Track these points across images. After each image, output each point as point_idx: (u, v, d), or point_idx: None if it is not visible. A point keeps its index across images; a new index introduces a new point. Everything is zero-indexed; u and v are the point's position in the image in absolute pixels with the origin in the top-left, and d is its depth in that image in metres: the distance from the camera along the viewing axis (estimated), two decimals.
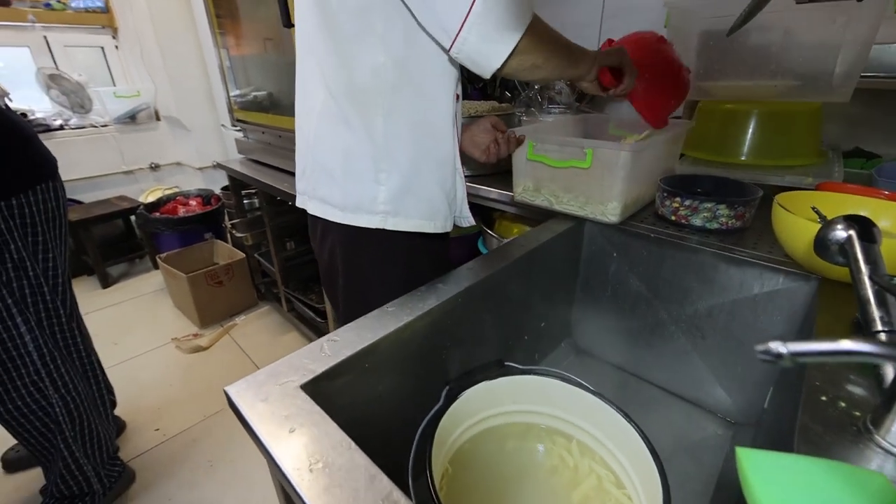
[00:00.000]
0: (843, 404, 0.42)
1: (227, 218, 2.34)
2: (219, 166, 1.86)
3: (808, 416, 0.41)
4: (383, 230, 0.72)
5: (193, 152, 2.77)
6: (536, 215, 0.94)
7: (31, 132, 1.04)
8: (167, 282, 2.13)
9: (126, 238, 2.63)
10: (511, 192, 0.97)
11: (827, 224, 0.50)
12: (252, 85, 1.72)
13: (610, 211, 0.81)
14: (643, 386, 0.89)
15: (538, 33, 0.60)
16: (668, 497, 0.43)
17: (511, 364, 0.62)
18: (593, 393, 0.58)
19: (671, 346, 0.84)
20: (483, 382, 0.58)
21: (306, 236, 1.80)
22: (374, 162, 0.69)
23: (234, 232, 1.84)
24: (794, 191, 0.72)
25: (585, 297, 0.95)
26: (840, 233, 0.49)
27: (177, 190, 2.68)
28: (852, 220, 0.49)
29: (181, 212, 2.31)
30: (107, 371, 1.30)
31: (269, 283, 2.13)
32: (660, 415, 0.83)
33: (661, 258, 0.81)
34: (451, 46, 0.58)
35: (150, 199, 2.67)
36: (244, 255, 2.02)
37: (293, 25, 1.20)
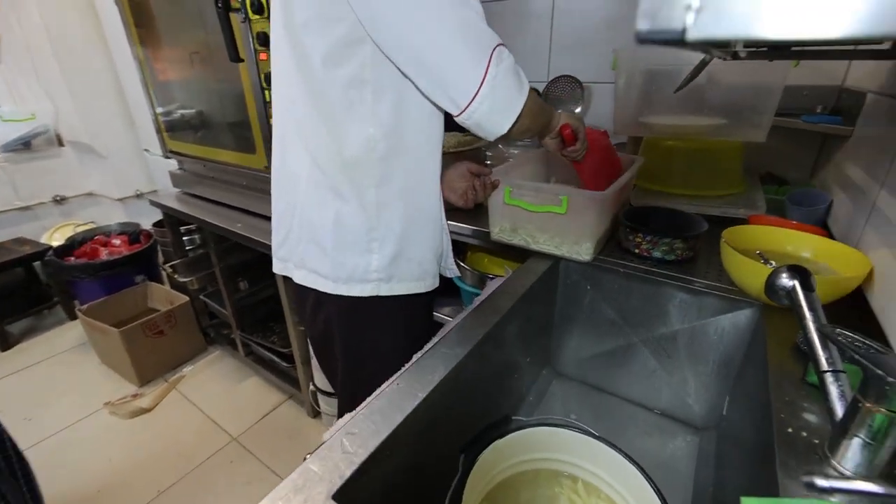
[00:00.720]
0: (804, 434, 0.51)
1: (161, 256, 2.16)
2: (153, 203, 1.72)
3: (784, 451, 0.49)
4: (377, 297, 0.73)
5: (110, 181, 2.51)
6: (510, 249, 0.99)
7: None
8: (91, 337, 1.91)
9: (28, 287, 2.26)
10: (483, 227, 1.03)
11: (774, 272, 0.60)
12: (177, 102, 1.60)
13: (584, 251, 0.88)
14: (620, 403, 0.97)
15: (532, 99, 0.65)
16: None
17: (517, 418, 0.66)
18: (596, 437, 0.64)
19: (642, 365, 0.94)
20: (495, 442, 0.62)
21: (260, 273, 1.73)
22: (366, 231, 0.69)
23: (176, 276, 1.70)
24: (735, 226, 0.84)
25: (563, 326, 1.02)
26: (786, 281, 0.59)
27: (93, 226, 2.40)
28: (794, 271, 0.58)
29: (104, 254, 2.08)
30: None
31: (218, 325, 1.99)
32: (638, 429, 0.92)
33: (629, 289, 0.90)
34: (461, 114, 0.61)
35: (58, 239, 2.37)
36: (188, 298, 1.87)
37: (242, 60, 1.15)
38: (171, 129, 1.67)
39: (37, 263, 2.20)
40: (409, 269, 0.74)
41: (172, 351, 1.88)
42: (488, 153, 1.18)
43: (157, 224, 2.12)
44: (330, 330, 0.78)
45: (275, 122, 0.73)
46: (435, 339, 0.70)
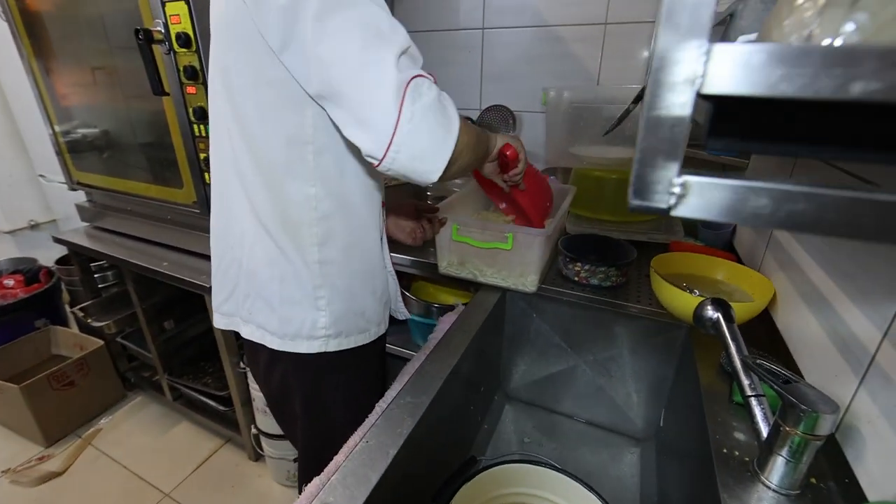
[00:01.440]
0: (737, 453, 0.58)
1: (66, 296, 1.91)
2: (57, 241, 1.53)
3: (723, 472, 0.55)
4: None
5: None
6: (455, 279, 1.01)
7: None
8: None
9: None
10: (426, 258, 1.07)
11: (700, 305, 0.67)
12: (77, 120, 1.45)
13: (529, 283, 0.92)
14: (569, 422, 1.03)
15: (466, 132, 0.59)
16: None
17: (482, 458, 0.68)
18: (555, 468, 0.67)
19: (586, 385, 1.00)
20: (463, 486, 0.63)
21: (186, 310, 1.60)
22: (312, 289, 0.69)
23: (89, 321, 1.51)
24: (659, 253, 0.92)
25: (511, 352, 1.05)
26: (711, 314, 0.66)
27: None
28: (717, 304, 0.66)
29: None
30: None
31: (139, 368, 1.80)
32: (588, 446, 0.97)
33: (572, 316, 0.95)
34: (379, 165, 0.55)
35: None
36: (102, 342, 1.67)
37: (167, 94, 1.08)
38: (73, 151, 1.49)
39: None
40: (356, 323, 0.74)
41: (85, 402, 1.66)
42: (429, 187, 1.20)
43: (60, 261, 1.88)
44: (287, 385, 0.76)
45: (214, 173, 0.70)
46: (397, 387, 0.70)
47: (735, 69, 0.19)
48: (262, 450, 1.46)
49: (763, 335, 0.80)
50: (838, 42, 0.20)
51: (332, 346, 0.72)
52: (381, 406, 0.67)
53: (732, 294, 0.85)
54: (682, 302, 0.77)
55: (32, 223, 2.26)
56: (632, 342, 0.92)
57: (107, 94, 1.32)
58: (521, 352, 1.05)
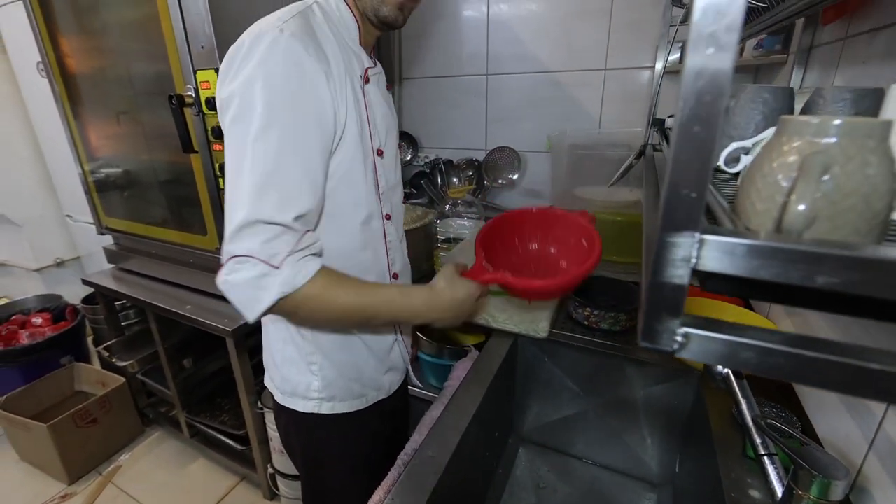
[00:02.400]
0: None
1: (89, 330, 1.97)
2: (86, 283, 1.59)
3: None
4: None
5: (26, 250, 2.28)
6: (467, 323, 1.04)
7: None
8: (10, 433, 1.69)
9: None
10: None
11: None
12: (100, 160, 1.53)
13: (541, 329, 0.95)
14: (584, 466, 1.03)
15: (313, 303, 0.59)
16: None
17: None
18: None
19: (600, 428, 1.01)
20: None
21: (204, 349, 1.64)
22: (305, 355, 0.73)
23: (113, 360, 1.56)
24: None
25: (524, 396, 1.07)
26: (720, 368, 0.68)
27: (6, 301, 2.16)
28: None
29: (24, 337, 1.86)
30: None
31: (156, 404, 1.84)
32: (604, 492, 0.98)
33: (583, 361, 0.97)
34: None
35: None
36: (124, 380, 1.72)
37: (196, 151, 1.15)
38: (101, 191, 1.57)
39: None
40: (349, 389, 0.77)
41: (106, 439, 1.70)
42: (438, 225, 1.24)
43: (86, 300, 1.95)
44: (289, 435, 0.81)
45: None
46: (417, 439, 0.72)
47: (722, 256, 0.23)
48: (277, 489, 1.47)
49: (774, 382, 0.81)
50: (801, 225, 0.24)
51: (325, 408, 0.75)
52: (402, 459, 0.70)
53: None
54: None
55: (58, 261, 2.35)
56: (643, 386, 0.94)
57: (136, 147, 1.40)
58: (533, 395, 1.06)
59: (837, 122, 0.27)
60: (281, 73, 0.55)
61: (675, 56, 1.09)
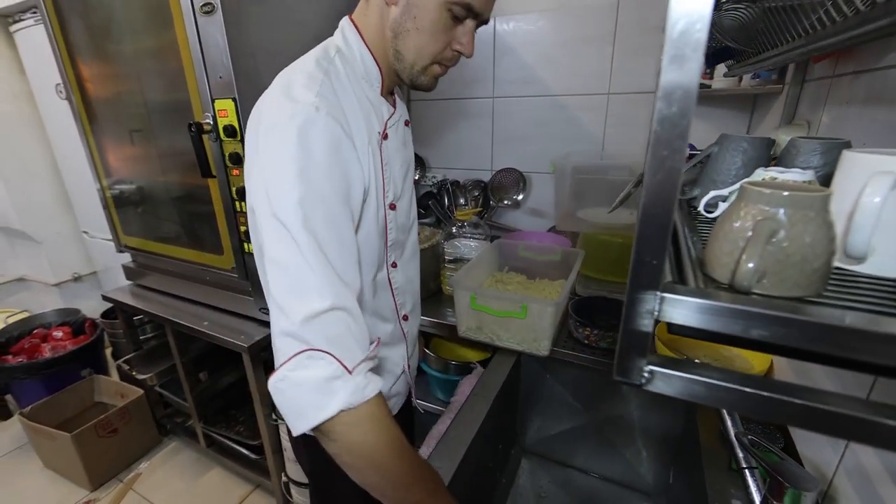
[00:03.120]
0: None
1: (108, 344, 2.05)
2: (106, 299, 1.66)
3: None
4: None
5: (45, 265, 2.36)
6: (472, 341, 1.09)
7: None
8: (35, 441, 1.76)
9: None
10: (442, 320, 1.16)
11: None
12: (119, 180, 1.60)
13: (542, 347, 1.00)
14: (583, 477, 1.09)
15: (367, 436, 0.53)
16: None
17: None
18: None
19: (598, 441, 1.06)
20: None
21: (219, 364, 1.71)
22: None
23: (133, 373, 1.63)
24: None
25: (527, 410, 1.13)
26: None
27: (27, 315, 2.24)
28: None
29: (46, 350, 1.94)
30: None
31: (173, 415, 1.91)
32: (601, 500, 1.03)
33: (582, 378, 1.03)
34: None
35: None
36: (142, 392, 1.79)
37: (214, 176, 1.21)
38: (120, 209, 1.64)
39: None
40: None
41: (126, 448, 1.77)
42: (445, 247, 1.30)
43: (105, 314, 2.02)
44: (299, 451, 0.86)
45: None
46: (426, 451, 0.78)
47: (678, 310, 0.29)
48: (291, 497, 1.53)
49: None
50: (750, 280, 0.30)
51: None
52: None
53: (733, 361, 0.92)
54: None
55: (76, 276, 2.43)
56: (639, 402, 0.99)
57: (153, 168, 1.46)
58: (535, 409, 1.12)
59: (785, 194, 0.33)
60: (322, 160, 0.54)
61: None
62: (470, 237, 1.32)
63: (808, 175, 0.48)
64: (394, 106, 0.73)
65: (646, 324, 0.30)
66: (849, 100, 0.77)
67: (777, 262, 0.33)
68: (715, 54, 1.08)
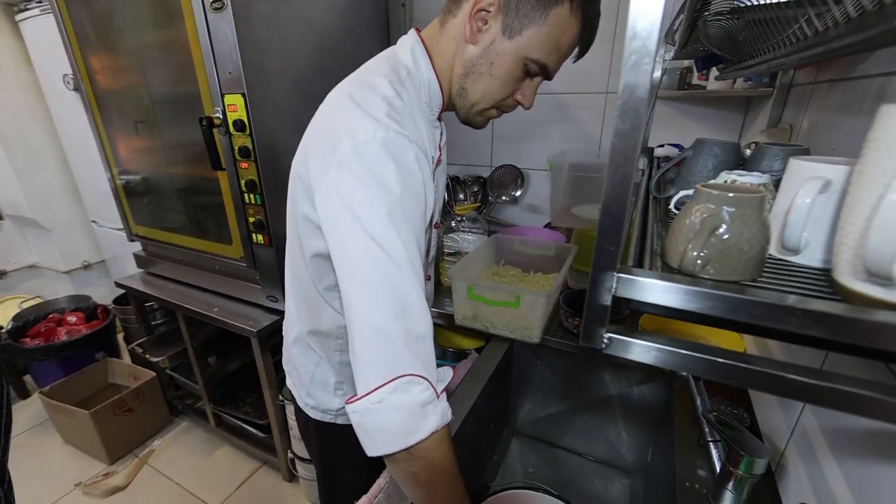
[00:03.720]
0: (696, 485, 0.72)
1: (121, 331, 2.13)
2: (119, 285, 1.74)
3: (687, 501, 0.70)
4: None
5: (55, 253, 2.44)
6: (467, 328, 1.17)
7: None
8: (54, 418, 1.85)
9: None
10: (442, 308, 1.23)
11: None
12: (129, 171, 1.65)
13: (534, 335, 1.08)
14: (568, 455, 1.17)
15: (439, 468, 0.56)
16: None
17: (492, 484, 0.83)
18: (553, 494, 0.82)
19: (584, 423, 1.14)
20: None
21: (227, 348, 1.79)
22: (334, 384, 0.81)
23: (146, 356, 1.71)
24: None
25: (518, 393, 1.21)
26: (683, 372, 0.81)
27: (40, 301, 2.32)
28: None
29: (62, 334, 2.02)
30: None
31: (184, 397, 2.00)
32: (584, 476, 1.12)
33: (569, 364, 1.11)
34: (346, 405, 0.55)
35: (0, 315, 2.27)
36: (154, 374, 1.87)
37: (224, 169, 1.27)
38: (131, 199, 1.69)
39: None
40: None
41: (140, 426, 1.86)
42: (445, 240, 1.37)
43: (117, 301, 2.10)
44: (307, 435, 0.91)
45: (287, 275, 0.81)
46: None
47: (628, 287, 0.36)
48: (296, 472, 1.62)
49: (732, 387, 0.94)
50: (698, 265, 0.37)
51: (341, 421, 0.84)
52: None
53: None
54: None
55: (86, 263, 2.51)
56: (622, 388, 1.07)
57: (162, 160, 1.51)
58: (526, 393, 1.20)
59: (730, 195, 0.40)
60: (398, 178, 0.54)
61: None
62: (468, 231, 1.38)
63: (765, 178, 0.54)
64: (442, 128, 0.75)
65: (606, 298, 0.37)
66: (825, 107, 0.82)
67: (719, 252, 0.39)
68: (705, 59, 1.14)
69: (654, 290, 0.36)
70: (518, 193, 1.63)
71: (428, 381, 0.52)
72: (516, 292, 1.04)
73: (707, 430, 0.73)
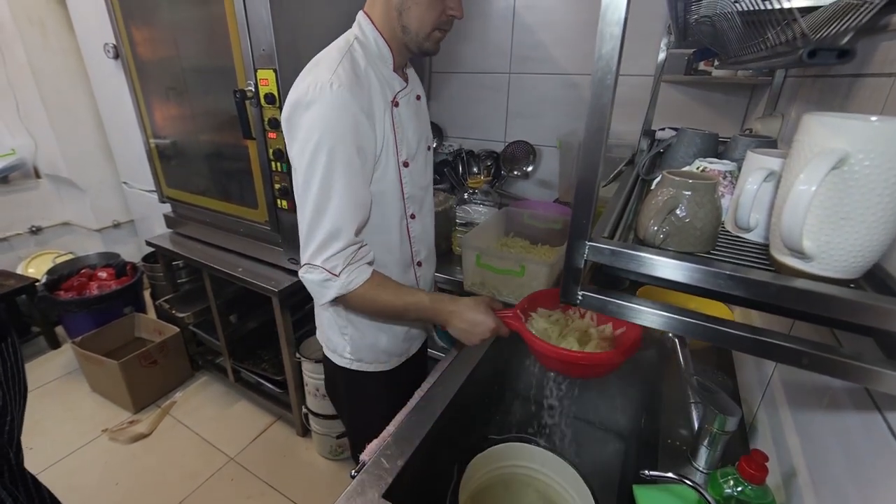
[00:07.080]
0: (678, 443, 0.79)
1: (148, 287, 2.25)
2: (150, 244, 1.84)
3: (664, 456, 0.76)
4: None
5: (88, 212, 2.56)
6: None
7: None
8: (84, 367, 1.99)
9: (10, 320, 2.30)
10: (453, 276, 1.31)
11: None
12: (165, 137, 1.74)
13: None
14: (567, 418, 1.24)
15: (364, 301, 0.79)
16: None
17: (492, 437, 0.91)
18: (546, 447, 0.90)
19: (582, 388, 1.21)
20: (477, 456, 0.86)
21: (246, 307, 1.89)
22: (339, 327, 0.92)
23: (173, 312, 1.82)
24: (647, 286, 1.13)
25: (520, 357, 1.27)
26: (672, 335, 0.87)
27: (72, 257, 2.45)
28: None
29: (94, 288, 2.15)
30: None
31: (204, 353, 2.12)
32: (580, 438, 1.19)
33: None
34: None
35: (34, 268, 2.41)
36: (178, 329, 1.99)
37: (254, 138, 1.34)
38: (164, 163, 1.79)
39: (23, 297, 2.21)
40: (374, 356, 0.96)
41: (164, 378, 1.99)
42: (459, 213, 1.43)
43: (146, 258, 2.21)
44: (333, 378, 1.01)
45: None
46: (430, 380, 0.94)
47: (597, 253, 0.42)
48: (310, 426, 1.73)
49: (719, 355, 1.00)
50: (660, 238, 0.43)
51: (355, 366, 0.95)
52: (418, 394, 0.91)
53: None
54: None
55: (115, 222, 2.63)
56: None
57: (196, 127, 1.60)
58: (528, 357, 1.27)
59: (689, 181, 0.46)
60: (337, 126, 0.71)
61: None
62: (480, 203, 1.44)
63: (731, 166, 0.59)
64: (406, 81, 0.86)
65: (579, 262, 0.43)
66: (809, 99, 0.86)
67: (677, 228, 0.46)
68: (702, 52, 1.17)
69: (611, 256, 0.42)
70: (530, 169, 1.68)
71: (322, 268, 0.75)
72: (521, 262, 1.10)
73: (689, 392, 0.79)
